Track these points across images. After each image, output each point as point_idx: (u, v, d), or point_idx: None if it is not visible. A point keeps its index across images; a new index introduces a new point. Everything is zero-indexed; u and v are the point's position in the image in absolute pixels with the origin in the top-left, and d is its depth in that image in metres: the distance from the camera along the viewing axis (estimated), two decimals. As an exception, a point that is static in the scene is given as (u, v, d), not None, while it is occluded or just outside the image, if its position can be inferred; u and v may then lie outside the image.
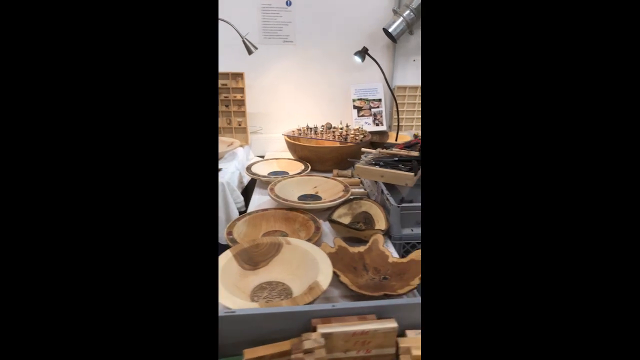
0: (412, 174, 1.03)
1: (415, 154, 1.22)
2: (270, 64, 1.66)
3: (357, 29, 1.63)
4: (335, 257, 0.78)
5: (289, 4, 1.57)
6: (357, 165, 1.10)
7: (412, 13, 1.50)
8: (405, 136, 1.68)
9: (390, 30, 1.52)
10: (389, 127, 1.81)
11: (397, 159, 1.15)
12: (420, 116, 1.81)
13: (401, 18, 1.51)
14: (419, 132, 1.74)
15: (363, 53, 1.42)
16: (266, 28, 1.60)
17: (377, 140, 1.66)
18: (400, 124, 1.81)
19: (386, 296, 0.66)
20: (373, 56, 1.65)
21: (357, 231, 0.87)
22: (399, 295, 0.67)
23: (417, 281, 0.69)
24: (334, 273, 0.72)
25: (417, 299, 0.63)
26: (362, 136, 1.43)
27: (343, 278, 0.71)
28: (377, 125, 1.75)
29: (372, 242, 0.84)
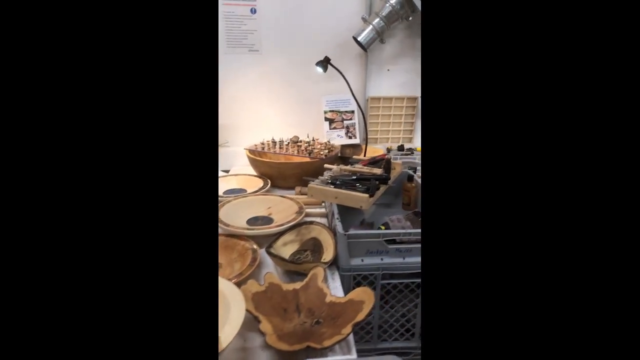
0: (367, 195, 0.93)
1: (378, 171, 1.13)
2: (235, 74, 1.58)
3: (327, 38, 1.55)
4: (264, 297, 0.68)
5: (253, 11, 1.49)
6: (310, 185, 1.00)
7: (381, 21, 1.42)
8: (378, 149, 1.59)
9: (359, 38, 1.44)
10: (364, 139, 1.72)
11: (355, 177, 1.06)
12: (395, 128, 1.72)
13: (371, 26, 1.43)
14: (393, 145, 1.65)
15: (325, 63, 1.34)
16: (230, 37, 1.52)
17: (349, 154, 1.57)
18: (375, 136, 1.73)
19: (308, 349, 0.57)
20: (345, 65, 1.57)
21: (294, 265, 0.77)
22: (324, 350, 0.57)
23: (348, 329, 0.59)
24: (256, 318, 0.63)
25: (339, 359, 0.53)
26: (326, 151, 1.34)
27: (264, 325, 0.61)
28: (350, 138, 1.66)
29: (310, 278, 0.74)
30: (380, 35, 1.46)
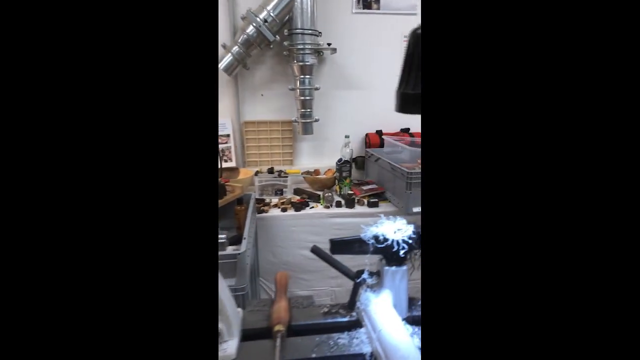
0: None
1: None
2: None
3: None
4: None
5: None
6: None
7: (240, 48, 1.47)
8: (250, 172, 1.61)
9: (220, 66, 1.48)
10: (243, 163, 1.74)
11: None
12: (275, 151, 1.75)
13: (230, 54, 1.47)
14: (264, 168, 1.68)
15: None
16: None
17: (226, 177, 1.58)
18: (255, 159, 1.75)
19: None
20: (218, 91, 1.60)
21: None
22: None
23: None
24: None
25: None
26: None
27: None
28: (226, 161, 1.68)
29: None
30: (240, 62, 1.50)
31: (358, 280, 0.54)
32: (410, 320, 0.57)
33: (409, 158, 1.52)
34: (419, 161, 1.49)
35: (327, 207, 1.46)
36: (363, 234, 0.52)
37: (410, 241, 0.51)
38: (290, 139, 1.74)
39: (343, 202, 1.48)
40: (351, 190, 1.55)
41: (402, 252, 0.51)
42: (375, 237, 0.52)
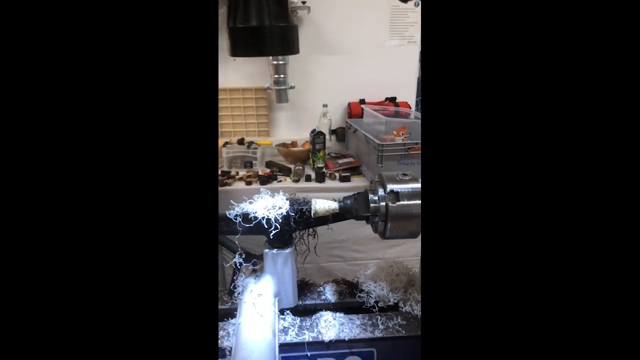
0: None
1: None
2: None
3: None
4: None
5: None
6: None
7: (203, 7, 1.35)
8: (219, 142, 1.53)
9: (183, 26, 1.38)
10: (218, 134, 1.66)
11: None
12: (250, 121, 1.66)
13: (193, 13, 1.36)
14: (234, 140, 1.59)
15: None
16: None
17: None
18: (229, 129, 1.66)
19: None
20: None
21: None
22: None
23: None
24: None
25: None
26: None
27: None
28: (198, 131, 1.60)
29: None
30: (205, 23, 1.39)
31: (228, 264, 0.46)
32: (300, 310, 0.49)
33: (387, 129, 1.40)
34: (396, 132, 1.37)
35: (296, 181, 1.37)
36: (229, 212, 0.44)
37: (281, 221, 0.43)
38: (265, 107, 1.64)
39: (313, 176, 1.39)
40: (324, 164, 1.45)
41: (273, 232, 0.43)
42: (244, 215, 0.44)
